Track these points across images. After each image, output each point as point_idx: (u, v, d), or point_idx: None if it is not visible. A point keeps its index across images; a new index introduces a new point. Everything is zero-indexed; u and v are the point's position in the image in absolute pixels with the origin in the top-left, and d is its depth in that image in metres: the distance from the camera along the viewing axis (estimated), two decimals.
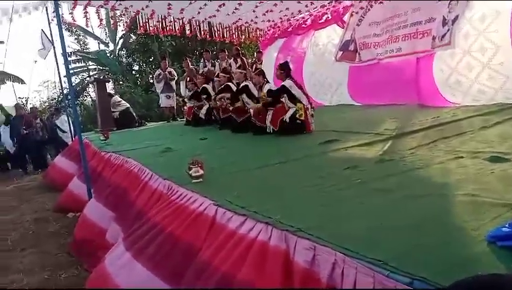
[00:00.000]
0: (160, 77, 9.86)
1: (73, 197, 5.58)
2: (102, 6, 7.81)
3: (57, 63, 9.02)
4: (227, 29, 9.85)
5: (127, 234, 3.20)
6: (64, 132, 10.16)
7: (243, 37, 10.43)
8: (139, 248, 2.82)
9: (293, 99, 5.36)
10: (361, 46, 7.84)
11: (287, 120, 5.26)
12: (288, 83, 5.44)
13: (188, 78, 8.83)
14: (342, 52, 8.33)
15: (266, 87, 5.92)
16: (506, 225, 1.55)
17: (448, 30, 5.82)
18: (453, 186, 2.40)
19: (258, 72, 6.23)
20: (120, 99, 10.52)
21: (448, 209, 2.02)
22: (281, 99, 5.47)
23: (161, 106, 10.61)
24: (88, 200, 4.82)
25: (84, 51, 18.48)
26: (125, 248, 2.96)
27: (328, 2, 8.71)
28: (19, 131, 9.52)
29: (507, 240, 1.48)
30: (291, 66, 5.88)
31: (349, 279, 1.55)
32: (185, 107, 8.91)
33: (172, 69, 10.22)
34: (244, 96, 6.34)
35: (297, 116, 5.27)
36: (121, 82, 17.63)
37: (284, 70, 5.54)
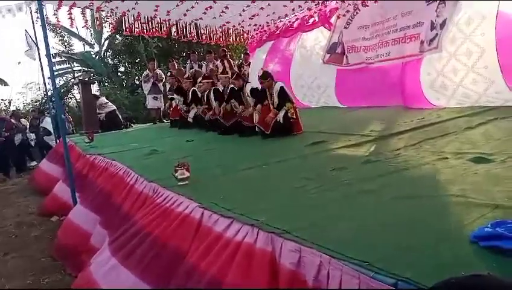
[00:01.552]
0: (148, 77, 9.79)
1: (58, 201, 5.51)
2: (87, 7, 7.71)
3: (41, 65, 8.89)
4: (214, 32, 9.82)
5: (113, 238, 3.15)
6: (50, 133, 10.03)
7: (230, 39, 10.41)
8: (125, 253, 2.78)
9: (284, 99, 5.41)
10: (349, 49, 7.87)
11: (281, 120, 5.29)
12: (282, 83, 5.58)
13: (172, 76, 8.87)
14: (329, 54, 8.36)
15: (248, 87, 5.99)
16: (489, 225, 1.57)
17: (436, 34, 5.90)
18: (438, 187, 2.42)
19: (235, 76, 6.31)
20: (107, 101, 10.43)
21: (433, 210, 2.04)
22: (266, 100, 5.55)
23: (148, 107, 10.52)
24: (73, 203, 4.75)
25: (69, 52, 18.27)
26: (111, 253, 2.92)
27: (314, 4, 8.74)
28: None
29: (489, 240, 1.50)
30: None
31: (335, 280, 1.55)
32: (171, 108, 8.80)
33: (160, 71, 10.17)
34: (232, 100, 6.33)
35: (289, 114, 5.32)
36: (106, 83, 17.47)
37: (269, 77, 5.59)
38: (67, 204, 4.99)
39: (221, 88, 6.68)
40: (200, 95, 7.45)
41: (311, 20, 9.05)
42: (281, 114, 5.31)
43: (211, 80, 7.24)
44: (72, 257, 3.80)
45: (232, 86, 6.40)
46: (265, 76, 5.58)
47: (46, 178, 7.08)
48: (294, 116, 5.38)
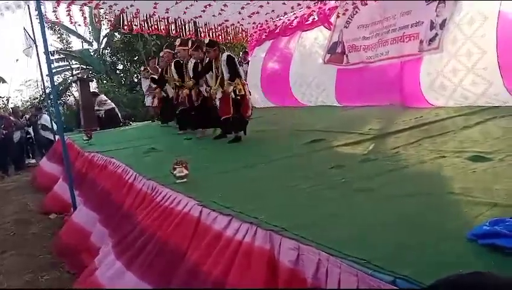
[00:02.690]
0: (148, 72, 9.75)
1: (58, 199, 5.52)
2: (86, 5, 7.70)
3: (39, 62, 8.88)
4: (213, 30, 9.80)
5: (116, 240, 3.16)
6: (47, 129, 10.03)
7: (229, 37, 10.40)
8: (130, 256, 2.78)
9: (235, 72, 5.10)
10: (349, 48, 7.86)
11: (233, 95, 4.99)
12: (228, 52, 5.24)
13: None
14: (329, 54, 8.33)
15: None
16: (487, 223, 1.58)
17: (436, 34, 5.88)
18: (436, 185, 2.43)
19: (195, 47, 5.70)
20: (106, 98, 10.49)
21: (431, 208, 2.04)
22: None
23: (146, 104, 10.50)
24: (71, 201, 4.74)
25: (67, 49, 18.23)
26: (115, 256, 2.93)
27: (314, 3, 8.72)
28: None
29: (488, 238, 1.50)
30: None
31: (334, 278, 1.55)
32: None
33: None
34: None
35: (237, 92, 5.02)
36: (104, 81, 17.44)
37: (216, 46, 5.24)
38: (67, 202, 4.98)
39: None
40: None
41: (310, 19, 9.03)
42: (231, 89, 4.98)
43: (173, 51, 6.80)
44: (72, 255, 3.80)
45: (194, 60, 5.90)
46: (212, 44, 5.22)
47: (47, 177, 7.11)
48: (242, 93, 5.05)
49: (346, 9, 7.98)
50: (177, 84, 6.40)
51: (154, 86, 8.10)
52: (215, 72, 5.22)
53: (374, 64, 7.25)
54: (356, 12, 7.79)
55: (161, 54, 7.48)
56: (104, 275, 2.84)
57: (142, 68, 9.77)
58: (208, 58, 5.50)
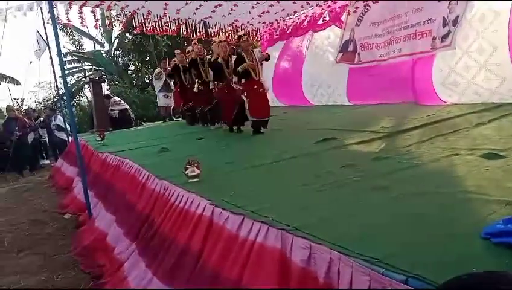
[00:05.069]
0: (161, 74, 9.84)
1: (76, 200, 5.63)
2: (98, 6, 7.78)
3: (52, 64, 9.01)
4: (223, 30, 9.84)
5: (141, 247, 3.21)
6: (62, 129, 10.17)
7: None
8: (157, 265, 2.83)
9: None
10: (361, 46, 7.82)
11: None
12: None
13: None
14: (341, 53, 8.31)
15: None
16: (501, 222, 1.56)
17: (449, 31, 5.83)
18: (449, 183, 2.41)
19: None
20: (119, 99, 10.65)
21: (444, 207, 2.03)
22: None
23: (158, 105, 10.61)
24: (85, 201, 4.80)
25: (80, 51, 18.42)
26: (146, 265, 2.98)
27: (323, 1, 8.70)
28: (11, 133, 9.40)
29: (501, 237, 1.49)
30: None
31: (346, 277, 1.55)
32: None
33: None
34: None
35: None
36: (116, 82, 17.59)
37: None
38: (84, 203, 5.04)
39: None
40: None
41: (321, 19, 9.01)
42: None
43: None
44: (88, 255, 3.85)
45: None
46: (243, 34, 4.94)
47: (64, 178, 7.26)
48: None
49: (357, 7, 7.94)
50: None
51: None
52: (249, 63, 5.02)
53: (386, 62, 7.20)
54: (367, 10, 7.74)
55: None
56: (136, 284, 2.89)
57: (157, 70, 9.88)
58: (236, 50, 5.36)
